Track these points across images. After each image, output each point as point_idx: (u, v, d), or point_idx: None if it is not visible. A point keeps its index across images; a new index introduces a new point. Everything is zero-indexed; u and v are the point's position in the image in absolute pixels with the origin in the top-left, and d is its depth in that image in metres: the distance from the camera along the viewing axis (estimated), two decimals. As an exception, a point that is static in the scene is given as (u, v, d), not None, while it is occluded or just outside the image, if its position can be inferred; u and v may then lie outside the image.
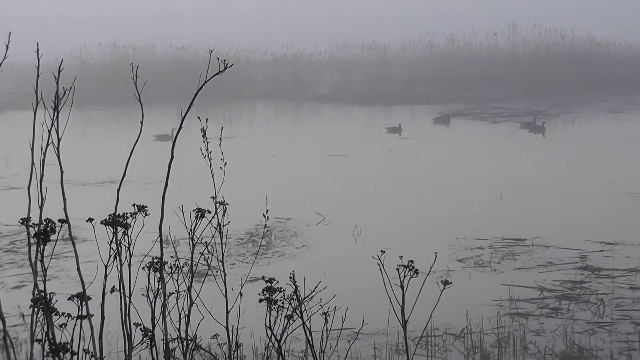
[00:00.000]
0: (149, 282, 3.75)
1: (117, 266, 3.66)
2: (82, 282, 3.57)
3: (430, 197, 15.82)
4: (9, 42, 3.62)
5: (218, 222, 3.91)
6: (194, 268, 3.86)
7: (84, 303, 3.55)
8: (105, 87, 43.54)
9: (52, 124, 3.49)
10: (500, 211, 14.27)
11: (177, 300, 3.84)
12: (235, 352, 3.95)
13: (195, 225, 3.86)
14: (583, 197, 15.47)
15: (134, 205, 3.74)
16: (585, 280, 10.12)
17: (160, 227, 3.73)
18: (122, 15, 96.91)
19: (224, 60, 3.60)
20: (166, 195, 3.73)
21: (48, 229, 3.41)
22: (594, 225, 13.08)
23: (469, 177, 17.99)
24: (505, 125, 29.88)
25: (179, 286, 3.86)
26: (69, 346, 3.40)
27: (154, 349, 3.65)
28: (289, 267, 10.74)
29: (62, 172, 3.62)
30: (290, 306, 3.77)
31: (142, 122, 3.73)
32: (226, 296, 3.94)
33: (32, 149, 3.52)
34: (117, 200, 3.71)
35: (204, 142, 3.88)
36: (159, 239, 3.76)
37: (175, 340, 3.83)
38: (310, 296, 3.83)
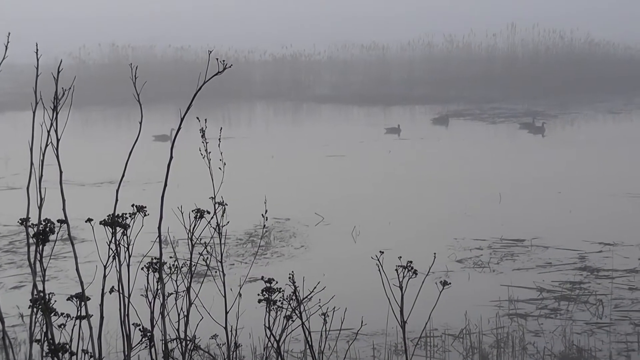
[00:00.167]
0: (148, 283, 3.75)
1: (116, 266, 3.66)
2: (81, 283, 3.57)
3: (429, 198, 15.83)
4: (8, 42, 3.62)
5: (217, 222, 3.91)
6: (193, 268, 3.86)
7: (83, 303, 3.55)
8: (104, 88, 43.55)
9: (51, 124, 3.49)
10: (499, 212, 14.28)
11: (176, 300, 3.85)
12: (234, 353, 3.95)
13: (194, 225, 3.86)
14: (582, 197, 15.48)
15: (133, 205, 3.74)
16: (584, 281, 10.12)
17: (159, 228, 3.73)
18: (121, 16, 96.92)
19: (223, 60, 3.60)
20: (165, 195, 3.73)
21: (47, 229, 3.41)
22: (593, 225, 13.08)
23: (468, 177, 18.00)
24: (504, 126, 29.89)
25: (178, 287, 3.86)
26: (67, 346, 3.40)
27: (153, 349, 3.65)
28: (288, 267, 10.75)
29: (61, 172, 3.62)
30: (289, 307, 3.77)
31: (141, 123, 3.73)
32: (225, 297, 3.94)
33: (31, 149, 3.52)
34: (116, 200, 3.71)
35: (203, 142, 3.88)
36: (158, 240, 3.76)
37: (174, 341, 3.83)
38: (309, 297, 3.84)
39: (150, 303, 3.77)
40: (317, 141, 25.89)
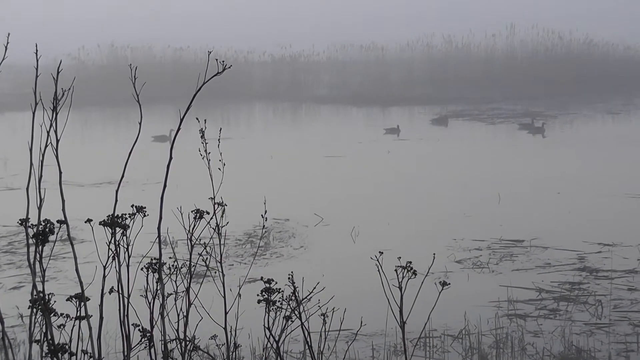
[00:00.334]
0: (147, 283, 3.75)
1: (115, 267, 3.66)
2: (81, 283, 3.57)
3: (429, 198, 15.83)
4: (7, 43, 3.62)
5: (216, 223, 3.91)
6: (192, 269, 3.86)
7: (82, 304, 3.55)
8: (104, 88, 43.54)
9: (51, 124, 3.49)
10: (498, 212, 14.28)
11: (175, 301, 3.85)
12: (234, 353, 3.95)
13: (194, 226, 3.87)
14: (581, 198, 15.48)
15: (132, 206, 3.74)
16: (583, 281, 10.12)
17: (158, 228, 3.73)
18: (120, 16, 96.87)
19: (223, 61, 3.60)
20: (165, 196, 3.73)
21: (47, 229, 3.41)
22: (592, 226, 13.08)
23: (467, 178, 18.00)
24: (504, 127, 29.90)
25: (177, 287, 3.86)
26: (67, 347, 3.40)
27: (152, 349, 3.65)
28: (287, 268, 10.74)
29: (60, 173, 3.62)
30: (288, 307, 3.77)
31: (140, 123, 3.73)
32: (224, 297, 3.94)
33: (30, 149, 3.52)
34: (116, 201, 3.71)
35: (202, 143, 3.88)
36: (157, 240, 3.76)
37: (174, 341, 3.83)
38: (308, 297, 3.84)
39: (149, 303, 3.77)
40: (316, 142, 25.90)
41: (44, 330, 3.44)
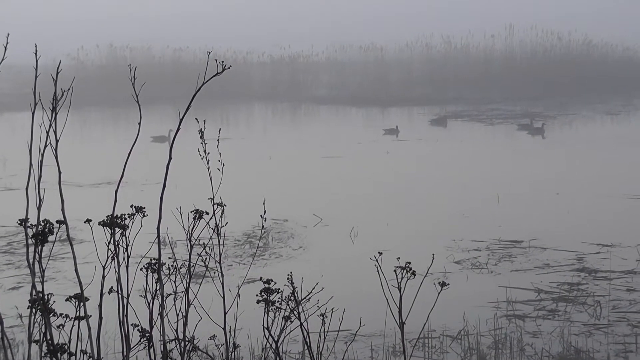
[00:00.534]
0: (146, 283, 3.76)
1: (114, 267, 3.67)
2: (80, 283, 3.58)
3: (428, 199, 15.83)
4: (7, 43, 3.62)
5: (215, 223, 3.91)
6: (191, 269, 3.86)
7: (81, 304, 3.55)
8: (103, 88, 43.53)
9: (50, 125, 3.50)
10: (497, 213, 14.28)
11: (174, 301, 3.85)
12: (233, 354, 3.95)
13: (193, 226, 3.87)
14: (580, 198, 15.48)
15: (131, 206, 3.74)
16: (582, 282, 10.13)
17: (158, 229, 3.73)
18: (119, 16, 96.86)
19: (222, 61, 3.60)
20: (164, 196, 3.74)
21: (46, 230, 3.42)
22: (591, 227, 13.08)
23: (466, 178, 18.00)
24: (503, 127, 29.90)
25: (176, 287, 3.86)
26: (66, 347, 3.41)
27: (151, 350, 3.65)
28: (287, 268, 10.74)
29: (59, 173, 3.63)
30: (287, 307, 3.77)
31: (139, 124, 3.73)
32: (224, 297, 3.94)
33: (30, 150, 3.52)
34: (115, 201, 3.71)
35: (201, 143, 3.88)
36: (156, 240, 3.77)
37: (173, 342, 3.83)
38: (307, 297, 3.84)
39: (149, 304, 3.77)
40: (315, 142, 25.90)
41: (43, 331, 3.44)
